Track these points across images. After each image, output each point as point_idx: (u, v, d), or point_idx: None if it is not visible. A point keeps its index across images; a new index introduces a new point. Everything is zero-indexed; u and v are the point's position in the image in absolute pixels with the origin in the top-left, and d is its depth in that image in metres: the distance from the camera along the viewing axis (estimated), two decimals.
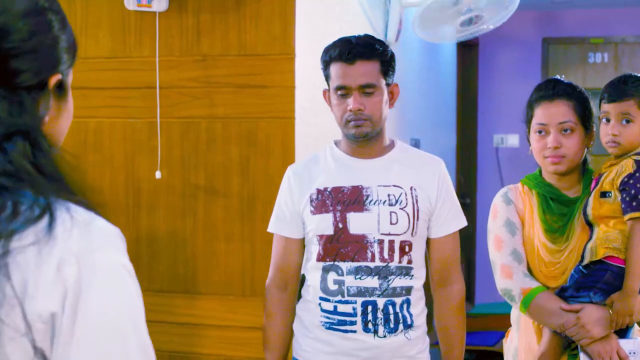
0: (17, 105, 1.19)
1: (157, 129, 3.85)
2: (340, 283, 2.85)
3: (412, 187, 2.89)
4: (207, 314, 3.84)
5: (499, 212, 3.00)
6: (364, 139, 2.88)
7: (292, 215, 2.96)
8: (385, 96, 2.89)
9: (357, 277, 2.83)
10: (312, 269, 2.93)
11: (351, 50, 2.85)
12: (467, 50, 8.14)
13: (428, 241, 2.96)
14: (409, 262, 2.87)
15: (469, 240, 7.94)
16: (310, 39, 3.86)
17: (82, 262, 1.15)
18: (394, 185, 2.88)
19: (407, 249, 2.86)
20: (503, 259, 2.92)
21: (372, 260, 2.83)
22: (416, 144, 5.92)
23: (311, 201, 2.91)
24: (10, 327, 1.11)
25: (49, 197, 1.17)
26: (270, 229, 3.03)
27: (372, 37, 2.94)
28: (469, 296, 6.64)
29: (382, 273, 2.83)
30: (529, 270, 2.92)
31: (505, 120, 8.17)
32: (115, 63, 3.94)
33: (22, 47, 1.22)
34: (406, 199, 2.87)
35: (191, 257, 3.86)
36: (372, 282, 2.83)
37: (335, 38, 2.93)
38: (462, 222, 2.98)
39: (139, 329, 1.19)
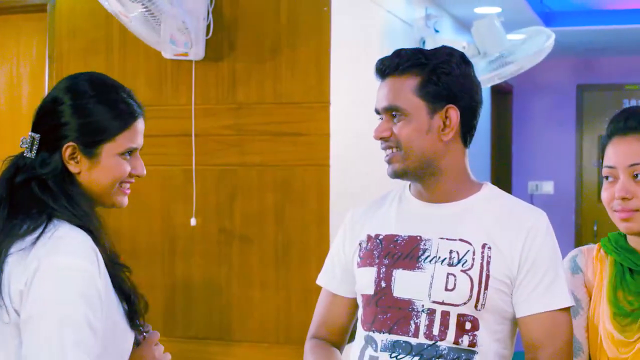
0: (40, 162, 1.94)
1: (192, 176, 3.88)
2: None
3: (485, 245, 2.13)
4: None
5: None
6: (401, 178, 2.21)
7: (344, 268, 2.33)
8: (426, 124, 2.15)
9: (393, 355, 2.12)
10: (357, 339, 2.26)
11: (384, 61, 2.24)
12: (502, 96, 8.13)
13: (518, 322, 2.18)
14: (472, 344, 2.10)
15: None
16: (345, 87, 3.88)
17: (42, 262, 1.79)
18: (461, 240, 2.15)
19: (468, 326, 2.11)
20: None
21: (415, 335, 2.11)
22: None
23: (360, 250, 2.26)
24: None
25: (50, 218, 1.85)
26: (318, 281, 2.41)
27: (425, 50, 2.23)
28: None
29: (426, 354, 2.10)
30: None
31: (539, 167, 8.14)
32: (152, 111, 3.91)
33: (41, 132, 1.96)
34: (473, 259, 2.12)
35: (226, 304, 3.86)
36: None
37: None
38: (561, 301, 2.13)
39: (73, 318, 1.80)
